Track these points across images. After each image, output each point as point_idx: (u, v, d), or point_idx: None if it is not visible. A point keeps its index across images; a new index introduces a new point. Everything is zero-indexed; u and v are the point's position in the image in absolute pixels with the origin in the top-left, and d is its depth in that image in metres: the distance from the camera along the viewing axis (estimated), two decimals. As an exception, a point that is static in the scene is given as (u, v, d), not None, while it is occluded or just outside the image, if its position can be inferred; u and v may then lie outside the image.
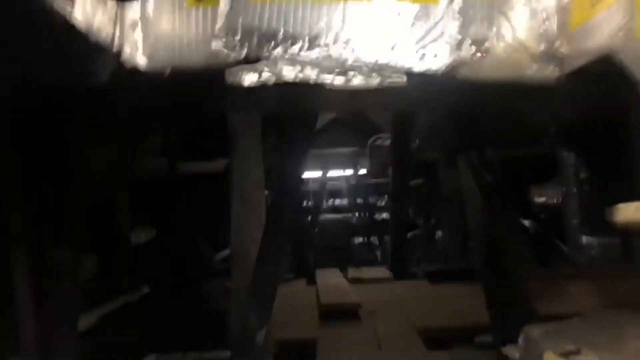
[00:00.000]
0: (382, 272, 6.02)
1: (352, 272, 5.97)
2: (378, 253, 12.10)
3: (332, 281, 5.07)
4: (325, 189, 10.21)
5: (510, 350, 1.83)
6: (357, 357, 2.82)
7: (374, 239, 12.67)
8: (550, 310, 2.06)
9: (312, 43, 1.53)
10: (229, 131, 2.56)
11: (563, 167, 5.01)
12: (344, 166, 7.77)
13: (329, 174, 10.50)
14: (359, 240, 14.85)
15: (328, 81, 1.54)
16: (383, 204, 15.47)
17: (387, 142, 6.77)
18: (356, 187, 12.02)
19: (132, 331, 3.38)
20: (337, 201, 16.79)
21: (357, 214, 13.79)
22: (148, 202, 4.58)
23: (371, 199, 12.52)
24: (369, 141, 7.00)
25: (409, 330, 3.38)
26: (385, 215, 14.99)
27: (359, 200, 12.93)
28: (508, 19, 1.56)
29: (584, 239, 4.71)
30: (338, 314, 3.75)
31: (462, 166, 2.99)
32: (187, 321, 3.60)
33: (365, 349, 3.06)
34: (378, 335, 3.30)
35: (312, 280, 5.70)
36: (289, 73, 1.52)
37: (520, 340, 1.78)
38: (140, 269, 4.05)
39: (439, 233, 8.91)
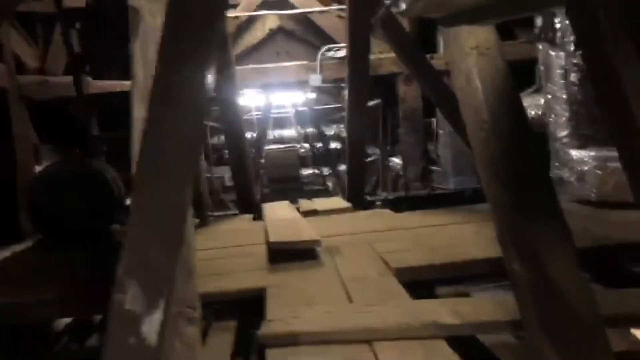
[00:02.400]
0: (338, 202, 5.29)
1: (304, 205, 5.21)
2: (330, 184, 11.45)
3: (282, 216, 4.30)
4: (269, 114, 9.29)
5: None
6: (321, 313, 2.08)
7: (326, 170, 11.97)
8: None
9: None
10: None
11: (547, 68, 4.33)
12: (289, 87, 6.82)
13: (274, 98, 9.55)
14: (308, 171, 14.18)
15: None
16: (333, 131, 14.75)
17: (341, 53, 5.90)
18: (304, 113, 11.13)
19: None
20: (285, 131, 15.96)
21: (306, 144, 12.98)
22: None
23: (323, 126, 11.71)
24: (320, 53, 6.06)
25: (383, 272, 2.66)
26: (336, 145, 14.33)
27: (309, 129, 12.09)
28: None
29: (574, 153, 4.10)
30: (292, 255, 2.99)
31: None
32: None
33: (329, 299, 2.32)
34: (344, 281, 2.56)
35: (259, 216, 4.93)
36: None
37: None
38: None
39: (395, 160, 8.28)
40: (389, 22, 5.02)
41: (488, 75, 2.12)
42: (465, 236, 3.27)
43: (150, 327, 0.99)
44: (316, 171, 12.96)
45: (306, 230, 3.36)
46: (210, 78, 1.57)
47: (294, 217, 4.12)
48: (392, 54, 6.01)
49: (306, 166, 14.52)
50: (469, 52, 2.19)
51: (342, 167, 12.60)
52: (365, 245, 3.21)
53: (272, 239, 3.07)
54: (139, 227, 1.15)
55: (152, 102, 1.44)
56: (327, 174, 12.40)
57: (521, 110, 2.06)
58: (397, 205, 5.53)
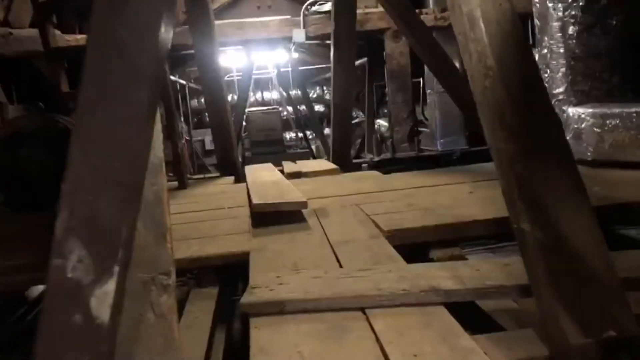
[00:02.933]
0: (324, 164, 5.11)
1: (288, 167, 5.01)
2: (315, 148, 11.23)
3: (265, 178, 4.10)
4: (251, 75, 8.95)
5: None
6: (309, 279, 1.91)
7: (311, 134, 11.72)
8: None
9: None
10: None
11: (543, 22, 4.12)
12: (272, 45, 6.48)
13: (255, 58, 9.17)
14: (292, 135, 13.91)
15: None
16: (317, 94, 14.45)
17: (326, 7, 5.60)
18: (287, 74, 10.78)
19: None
20: (267, 93, 15.60)
21: (289, 106, 12.67)
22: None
23: (307, 88, 11.40)
24: (303, 7, 5.75)
25: (374, 235, 2.50)
26: (320, 107, 14.04)
27: (292, 91, 11.76)
28: None
29: (570, 111, 3.94)
30: (276, 217, 2.81)
31: None
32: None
33: (317, 264, 2.15)
34: (333, 246, 2.39)
35: (241, 179, 4.73)
36: None
37: None
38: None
39: (381, 122, 8.08)
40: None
41: (493, 18, 1.91)
42: (459, 197, 3.12)
43: (101, 300, 0.78)
44: (300, 134, 12.71)
45: (291, 192, 3.17)
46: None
47: (277, 179, 3.93)
48: (379, 9, 5.75)
49: (290, 129, 14.26)
50: (472, -8, 1.98)
51: (327, 131, 12.41)
52: (353, 208, 3.04)
53: (255, 201, 2.88)
54: (82, 169, 0.91)
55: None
56: (311, 137, 12.18)
57: (530, 54, 1.87)
58: (384, 167, 5.38)
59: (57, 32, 4.70)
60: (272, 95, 15.21)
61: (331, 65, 4.96)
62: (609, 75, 3.72)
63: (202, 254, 2.48)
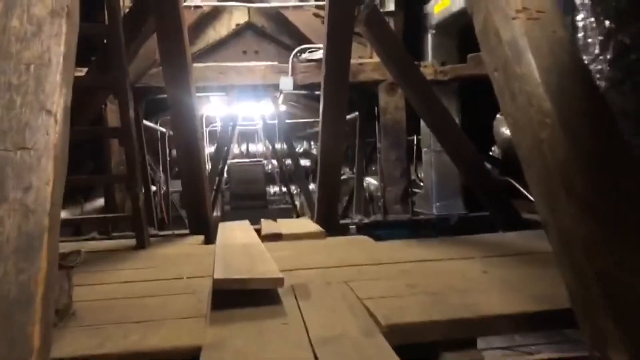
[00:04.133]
0: (307, 224, 4.52)
1: (267, 226, 4.41)
2: (299, 204, 10.64)
3: (238, 239, 3.50)
4: (235, 124, 8.48)
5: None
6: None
7: (295, 189, 11.19)
8: None
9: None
10: None
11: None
12: (257, 94, 6.01)
13: (240, 108, 8.73)
14: (276, 189, 13.37)
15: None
16: (304, 148, 14.04)
17: (317, 55, 5.18)
18: (273, 126, 10.33)
19: None
20: (252, 145, 15.17)
21: (274, 160, 12.20)
22: None
23: (293, 142, 10.94)
24: (292, 53, 5.32)
25: (368, 330, 1.89)
26: (306, 162, 13.59)
27: (279, 145, 11.31)
28: None
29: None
30: (243, 297, 2.20)
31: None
32: None
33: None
34: (313, 345, 1.78)
35: (211, 239, 4.12)
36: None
37: None
38: None
39: (370, 180, 7.57)
40: (374, 20, 4.36)
41: (546, 48, 1.40)
42: (471, 277, 2.54)
43: None
44: (284, 189, 12.18)
45: (264, 263, 2.57)
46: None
47: (250, 242, 3.32)
48: (374, 60, 5.36)
49: (273, 183, 13.75)
50: (515, 17, 1.48)
51: (312, 186, 11.90)
52: (342, 286, 2.44)
53: (217, 275, 2.27)
54: None
55: None
56: (295, 192, 11.64)
57: (599, 95, 1.35)
58: (374, 231, 4.82)
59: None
60: (258, 147, 14.82)
61: (319, 117, 4.47)
62: (638, 139, 3.24)
63: (140, 348, 1.86)
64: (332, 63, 4.33)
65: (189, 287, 2.58)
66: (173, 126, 4.30)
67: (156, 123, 7.92)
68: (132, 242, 3.81)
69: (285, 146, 10.63)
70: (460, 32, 5.66)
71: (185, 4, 4.92)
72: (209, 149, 11.84)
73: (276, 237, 3.81)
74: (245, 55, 5.79)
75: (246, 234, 3.80)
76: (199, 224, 4.67)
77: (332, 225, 4.66)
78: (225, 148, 8.10)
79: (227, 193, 9.78)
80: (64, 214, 4.74)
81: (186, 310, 2.20)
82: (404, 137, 5.42)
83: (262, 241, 3.69)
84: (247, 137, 14.48)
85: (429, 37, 5.71)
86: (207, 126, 11.18)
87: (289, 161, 10.97)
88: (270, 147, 11.90)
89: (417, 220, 5.26)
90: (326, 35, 4.20)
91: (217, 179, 8.78)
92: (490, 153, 6.45)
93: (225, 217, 8.35)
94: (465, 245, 3.44)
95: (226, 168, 9.28)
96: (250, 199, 8.26)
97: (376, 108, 5.55)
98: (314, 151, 14.59)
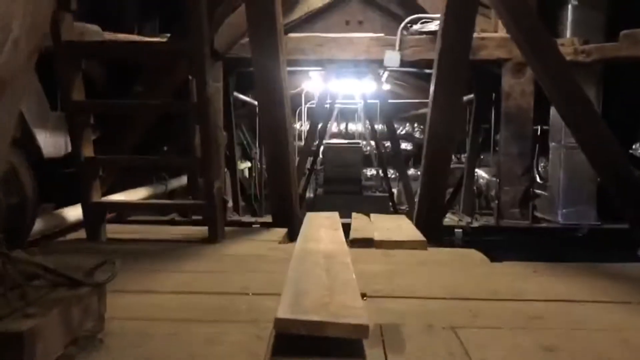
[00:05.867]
0: (405, 228, 3.84)
1: (357, 226, 3.81)
2: (396, 191, 9.91)
3: (321, 243, 2.94)
4: (334, 102, 7.90)
5: None
6: None
7: (390, 173, 10.47)
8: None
9: None
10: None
11: None
12: (358, 70, 5.34)
13: (340, 86, 8.10)
14: (372, 172, 12.70)
15: None
16: (405, 131, 13.18)
17: (432, 27, 4.42)
18: (372, 105, 9.60)
19: None
20: (351, 125, 14.54)
21: (372, 141, 11.50)
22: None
23: (396, 122, 10.17)
24: (402, 24, 4.58)
25: None
26: (407, 145, 12.75)
27: (379, 126, 10.60)
28: None
29: None
30: (314, 344, 1.62)
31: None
32: None
33: None
34: None
35: (293, 236, 3.60)
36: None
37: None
38: None
39: (481, 172, 6.67)
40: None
41: None
42: (637, 344, 1.78)
43: None
44: (381, 173, 11.45)
45: (346, 291, 1.97)
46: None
47: (334, 251, 2.74)
48: (499, 34, 4.52)
49: (370, 165, 13.06)
50: None
51: (411, 171, 11.09)
52: (447, 335, 1.79)
53: (282, 312, 1.70)
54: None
55: None
56: (392, 176, 10.88)
57: None
58: (485, 237, 4.06)
59: (84, 24, 3.87)
60: (357, 127, 14.16)
61: (430, 99, 3.75)
62: None
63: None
64: (450, 36, 3.58)
65: (251, 310, 2.05)
66: (259, 104, 3.80)
67: (251, 96, 7.55)
68: (202, 231, 3.38)
69: (385, 127, 9.90)
70: (611, 3, 4.63)
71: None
72: (306, 127, 11.41)
73: (367, 243, 3.20)
74: (347, 26, 5.15)
75: (332, 236, 3.22)
76: (283, 215, 4.20)
77: (434, 231, 3.97)
78: (321, 126, 7.57)
79: (321, 174, 9.29)
80: (143, 192, 4.44)
81: (239, 350, 1.67)
82: (530, 128, 4.54)
83: (350, 246, 3.12)
84: (347, 115, 13.86)
85: (569, 10, 4.74)
86: (305, 103, 10.72)
87: (388, 143, 10.26)
88: (370, 127, 11.21)
89: (537, 227, 4.41)
90: (445, 3, 3.46)
91: (310, 159, 8.32)
92: (631, 151, 5.36)
93: (317, 201, 7.88)
94: (614, 278, 2.63)
95: (322, 148, 8.77)
96: (344, 184, 7.70)
97: (496, 92, 4.71)
98: (417, 134, 13.70)
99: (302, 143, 10.33)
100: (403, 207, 8.78)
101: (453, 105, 3.70)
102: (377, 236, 3.31)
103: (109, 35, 4.08)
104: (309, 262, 2.45)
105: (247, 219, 4.93)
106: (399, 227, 3.80)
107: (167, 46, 3.41)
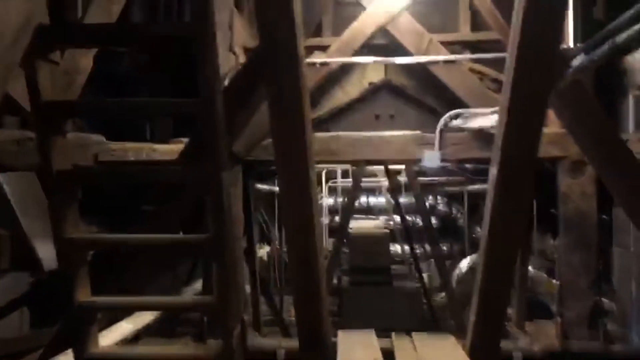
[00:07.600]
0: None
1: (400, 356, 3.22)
2: (426, 276, 9.19)
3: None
4: (357, 195, 7.38)
5: None
6: None
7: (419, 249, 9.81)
8: None
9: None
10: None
11: None
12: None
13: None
14: (396, 249, 12.02)
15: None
16: (428, 203, 12.54)
17: (472, 124, 3.96)
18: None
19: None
20: (373, 199, 13.98)
21: (397, 215, 10.93)
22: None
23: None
24: (441, 121, 4.11)
25: None
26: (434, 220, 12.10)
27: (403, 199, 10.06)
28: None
29: None
30: None
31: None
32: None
33: None
34: None
35: None
36: None
37: None
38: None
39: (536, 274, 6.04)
40: (574, 89, 3.15)
41: None
42: None
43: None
44: (407, 250, 10.78)
45: None
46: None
47: None
48: (551, 130, 4.03)
49: (394, 242, 12.36)
50: None
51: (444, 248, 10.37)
52: None
53: None
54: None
55: None
56: (418, 251, 10.18)
57: None
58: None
59: (86, 135, 3.47)
60: (379, 200, 13.61)
61: (487, 196, 3.16)
62: None
63: None
64: (513, 135, 3.04)
65: None
66: (286, 229, 3.29)
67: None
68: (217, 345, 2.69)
69: (414, 200, 9.25)
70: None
71: (308, 60, 3.99)
72: (327, 201, 10.91)
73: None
74: (377, 121, 4.74)
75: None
76: (312, 340, 3.61)
77: (491, 355, 3.36)
78: (346, 202, 7.01)
79: (344, 256, 8.67)
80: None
81: None
82: (594, 234, 3.95)
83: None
84: (368, 189, 13.29)
85: (630, 101, 4.28)
86: (326, 182, 10.26)
87: (416, 218, 9.65)
88: (393, 200, 10.64)
89: (613, 352, 3.74)
90: (508, 95, 2.94)
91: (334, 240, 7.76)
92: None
93: (343, 295, 7.25)
94: None
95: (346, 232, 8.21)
96: (372, 274, 7.08)
97: (548, 193, 4.18)
98: (441, 207, 13.09)
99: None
100: (436, 298, 8.11)
101: (518, 212, 3.12)
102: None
103: (115, 146, 3.70)
104: None
105: (269, 341, 4.32)
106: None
107: (180, 170, 2.94)
